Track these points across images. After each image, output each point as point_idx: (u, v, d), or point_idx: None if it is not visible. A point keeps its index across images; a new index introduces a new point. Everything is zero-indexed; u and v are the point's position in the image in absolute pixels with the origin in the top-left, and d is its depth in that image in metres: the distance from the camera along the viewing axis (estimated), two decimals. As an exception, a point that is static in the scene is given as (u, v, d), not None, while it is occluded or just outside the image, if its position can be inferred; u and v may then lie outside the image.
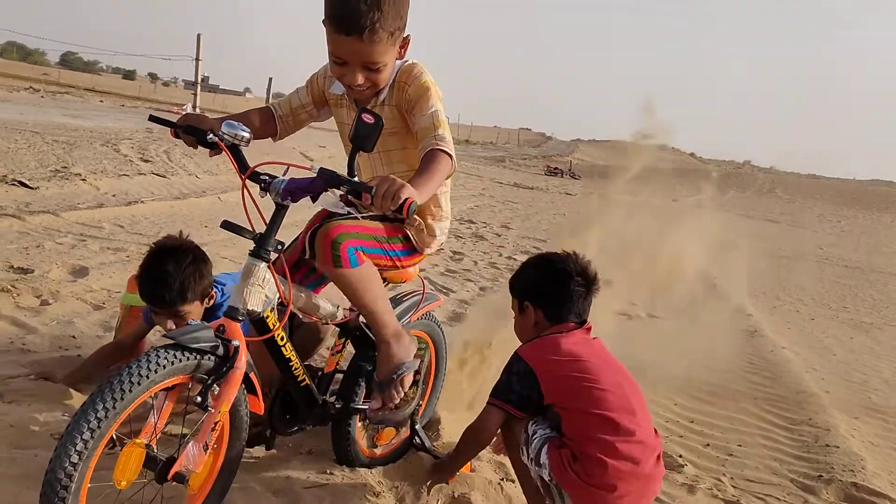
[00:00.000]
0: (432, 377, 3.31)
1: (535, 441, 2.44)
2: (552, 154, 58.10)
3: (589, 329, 2.69)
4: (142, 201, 8.44)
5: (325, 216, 2.62)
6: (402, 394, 2.55)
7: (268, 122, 2.71)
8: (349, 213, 2.08)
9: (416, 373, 2.61)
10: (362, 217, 2.51)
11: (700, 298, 7.92)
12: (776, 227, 21.65)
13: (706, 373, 5.09)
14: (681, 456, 3.64)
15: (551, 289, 2.69)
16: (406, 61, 2.46)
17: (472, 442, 2.65)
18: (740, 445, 3.97)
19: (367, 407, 2.64)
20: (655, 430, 2.52)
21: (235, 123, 2.33)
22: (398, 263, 2.62)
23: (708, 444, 3.92)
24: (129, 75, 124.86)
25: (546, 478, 2.40)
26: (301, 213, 2.66)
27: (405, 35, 2.34)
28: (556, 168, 38.39)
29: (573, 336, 2.61)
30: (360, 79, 2.34)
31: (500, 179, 26.08)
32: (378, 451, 3.06)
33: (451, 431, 3.28)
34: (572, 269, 2.69)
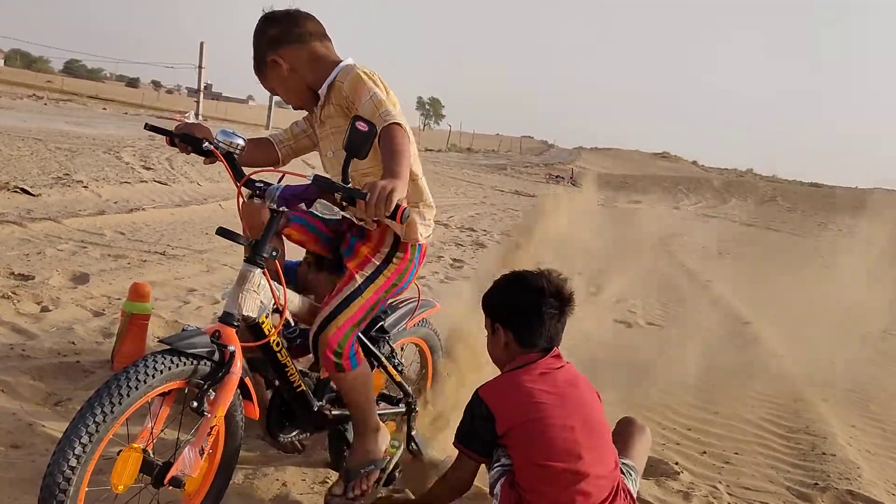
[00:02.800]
0: (429, 383, 3.33)
1: (496, 469, 2.40)
2: (554, 162, 58.17)
3: (558, 356, 2.54)
4: (143, 208, 8.48)
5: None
6: (367, 487, 2.61)
7: (269, 151, 2.79)
8: (343, 217, 2.11)
9: (382, 471, 2.69)
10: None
11: (699, 307, 7.95)
12: (777, 235, 21.64)
13: (704, 380, 5.10)
14: (677, 463, 3.65)
15: (523, 312, 2.53)
16: (347, 64, 2.55)
17: (448, 491, 2.57)
18: (737, 453, 3.97)
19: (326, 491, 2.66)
20: (616, 463, 2.45)
21: (230, 131, 2.37)
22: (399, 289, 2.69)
23: (704, 452, 3.93)
24: (132, 83, 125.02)
25: None
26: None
27: (268, 62, 2.56)
28: (557, 175, 38.45)
29: (538, 368, 2.46)
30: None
31: (501, 187, 26.11)
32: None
33: (448, 437, 3.30)
34: (546, 290, 2.52)
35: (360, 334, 2.69)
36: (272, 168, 2.61)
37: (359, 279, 2.54)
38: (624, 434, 2.73)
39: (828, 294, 9.77)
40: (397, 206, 1.99)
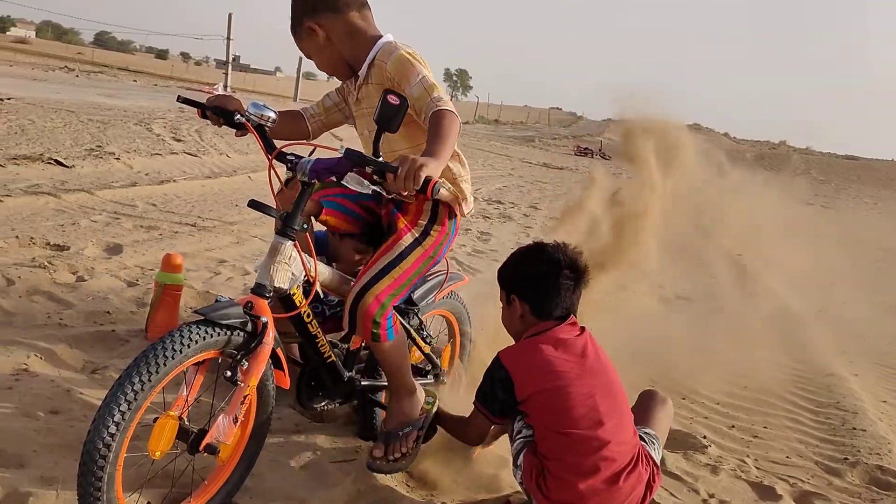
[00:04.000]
0: (457, 356, 3.35)
1: (518, 441, 2.44)
2: (583, 134, 57.72)
3: (574, 323, 2.56)
4: (174, 180, 8.56)
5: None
6: (407, 449, 2.62)
7: (299, 124, 2.80)
8: (374, 191, 2.11)
9: (420, 429, 2.68)
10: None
11: (730, 281, 7.89)
12: (810, 208, 21.35)
13: (733, 355, 5.08)
14: (705, 437, 3.65)
15: (539, 283, 2.56)
16: (387, 41, 2.53)
17: (462, 438, 2.71)
18: (766, 427, 3.97)
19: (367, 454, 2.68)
20: (635, 431, 2.48)
21: (262, 104, 2.38)
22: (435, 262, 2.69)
23: (733, 426, 3.93)
24: (161, 55, 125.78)
25: (518, 480, 2.47)
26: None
27: (305, 28, 2.53)
28: (586, 148, 38.17)
29: (556, 334, 2.49)
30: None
31: (529, 159, 25.99)
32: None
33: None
34: (561, 262, 2.56)
35: None
36: (304, 141, 2.62)
37: (397, 249, 2.54)
38: (646, 405, 2.74)
39: (859, 268, 9.66)
40: (427, 181, 2.00)
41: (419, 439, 2.67)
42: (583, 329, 2.57)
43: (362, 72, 2.56)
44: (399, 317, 2.72)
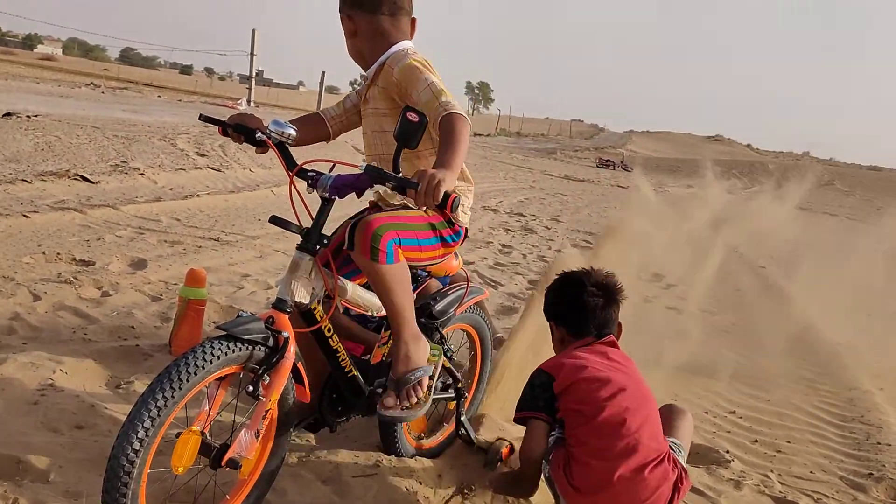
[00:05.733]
0: (478, 370, 3.35)
1: (551, 440, 2.56)
2: (604, 146, 57.59)
3: (612, 342, 2.71)
4: (198, 195, 8.65)
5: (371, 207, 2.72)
6: (419, 396, 2.57)
7: (319, 128, 2.84)
8: (402, 203, 2.14)
9: (430, 377, 2.63)
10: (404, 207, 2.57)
11: (753, 293, 7.84)
12: (833, 220, 21.17)
13: (757, 368, 5.05)
14: (728, 451, 3.63)
15: (568, 304, 2.77)
16: (401, 48, 2.58)
17: (528, 462, 2.63)
18: (789, 442, 3.93)
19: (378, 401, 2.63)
20: (665, 437, 2.56)
21: (282, 122, 2.41)
22: (436, 253, 2.66)
23: (756, 441, 3.90)
24: (186, 70, 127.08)
25: (547, 475, 2.55)
26: (346, 209, 2.73)
27: (373, 13, 2.57)
28: (607, 160, 38.07)
29: (593, 346, 2.67)
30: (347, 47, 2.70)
31: (550, 171, 25.98)
32: (425, 442, 3.11)
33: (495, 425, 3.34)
34: (586, 282, 2.75)
35: None
36: (325, 159, 2.65)
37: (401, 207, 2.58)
38: (667, 417, 2.78)
39: (884, 281, 9.55)
40: (447, 196, 2.02)
41: (431, 387, 2.63)
42: (618, 349, 2.72)
43: (370, 72, 2.62)
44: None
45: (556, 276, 2.94)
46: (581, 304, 2.72)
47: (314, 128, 2.83)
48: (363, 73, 2.78)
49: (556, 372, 2.56)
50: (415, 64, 2.48)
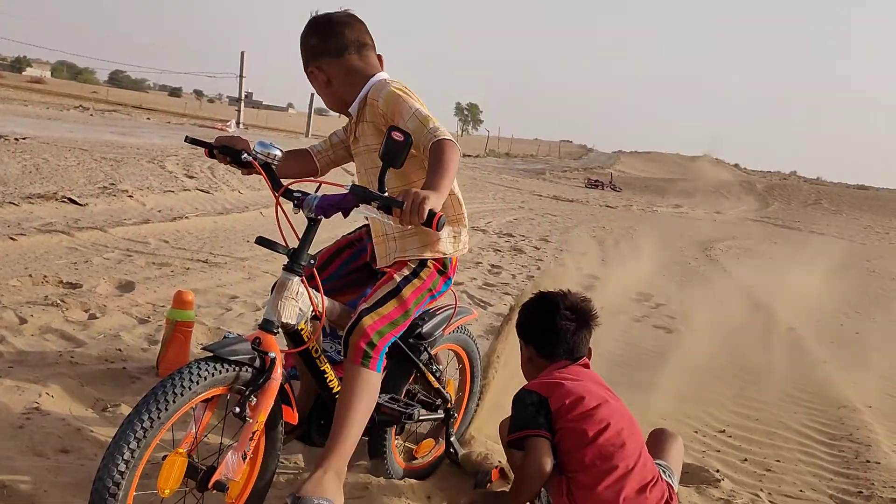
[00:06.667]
0: (467, 391, 3.35)
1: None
2: (593, 166, 57.83)
3: (587, 365, 2.70)
4: (186, 217, 8.63)
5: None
6: None
7: (307, 162, 2.86)
8: (389, 221, 2.15)
9: None
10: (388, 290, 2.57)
11: (741, 312, 7.86)
12: (821, 238, 21.28)
13: (746, 387, 5.06)
14: (718, 471, 3.62)
15: (539, 324, 2.74)
16: (378, 79, 2.59)
17: (529, 480, 2.45)
18: (779, 461, 3.93)
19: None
20: (657, 463, 2.56)
21: (268, 143, 2.43)
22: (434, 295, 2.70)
23: (746, 459, 3.89)
24: (175, 92, 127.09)
25: (546, 502, 2.49)
26: (331, 231, 2.74)
27: (310, 71, 2.63)
28: (596, 180, 38.20)
29: (569, 370, 2.63)
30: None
31: (539, 192, 26.05)
32: (414, 463, 3.10)
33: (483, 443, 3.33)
34: (560, 304, 2.72)
35: (398, 341, 2.71)
36: (310, 178, 2.66)
37: (397, 278, 2.57)
38: (657, 442, 2.78)
39: (871, 298, 9.61)
40: (433, 215, 2.03)
41: None
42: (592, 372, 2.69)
43: (353, 109, 2.62)
44: (403, 354, 2.74)
45: (532, 295, 2.92)
46: (553, 327, 2.69)
47: (303, 162, 2.85)
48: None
49: (549, 391, 2.50)
50: (397, 92, 2.50)
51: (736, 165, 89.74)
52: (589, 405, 2.46)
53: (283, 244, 2.27)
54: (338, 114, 2.75)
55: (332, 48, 2.58)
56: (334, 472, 2.36)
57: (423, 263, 2.63)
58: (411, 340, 2.86)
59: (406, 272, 2.60)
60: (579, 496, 2.38)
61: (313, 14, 2.64)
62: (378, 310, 2.50)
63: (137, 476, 1.94)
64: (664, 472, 2.59)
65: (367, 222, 2.81)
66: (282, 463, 2.79)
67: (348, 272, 2.82)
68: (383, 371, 2.53)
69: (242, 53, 25.47)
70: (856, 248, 19.23)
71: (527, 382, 2.68)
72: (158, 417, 1.92)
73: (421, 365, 2.88)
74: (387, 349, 2.51)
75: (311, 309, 2.37)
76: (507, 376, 3.69)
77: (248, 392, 2.13)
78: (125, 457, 1.88)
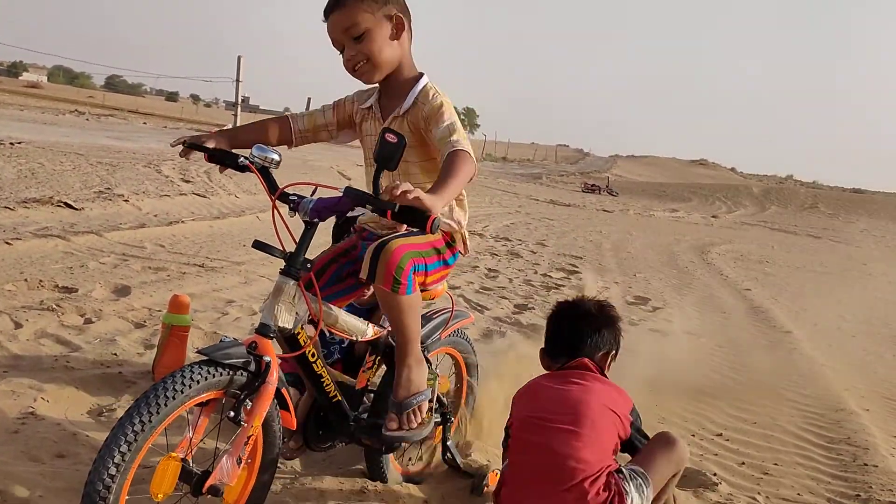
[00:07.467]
0: (464, 394, 3.34)
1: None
2: (590, 170, 57.82)
3: (585, 366, 2.69)
4: (182, 221, 8.61)
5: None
6: (421, 419, 2.60)
7: (284, 132, 2.77)
8: (384, 223, 2.14)
9: (431, 400, 2.66)
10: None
11: (737, 316, 7.86)
12: (818, 242, 21.30)
13: (743, 390, 5.05)
14: (715, 474, 3.61)
15: (548, 325, 2.89)
16: (427, 83, 2.58)
17: None
18: (776, 464, 3.92)
19: (382, 426, 2.63)
20: (605, 461, 2.46)
21: (265, 147, 2.41)
22: (439, 276, 2.65)
23: (743, 463, 3.89)
24: (171, 97, 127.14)
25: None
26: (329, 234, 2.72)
27: (393, 14, 2.50)
28: (593, 185, 38.17)
29: (557, 371, 2.74)
30: (352, 51, 2.50)
31: (536, 196, 26.05)
32: (410, 467, 3.09)
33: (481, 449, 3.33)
34: (564, 306, 2.90)
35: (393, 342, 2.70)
36: (306, 181, 2.65)
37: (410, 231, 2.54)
38: (650, 445, 2.67)
39: (869, 302, 9.61)
40: (428, 216, 1.99)
41: (431, 409, 2.66)
42: (588, 372, 2.67)
43: (406, 105, 2.57)
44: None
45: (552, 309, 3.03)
46: (557, 327, 2.84)
47: (280, 130, 2.76)
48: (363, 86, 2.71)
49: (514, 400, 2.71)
50: (442, 102, 2.51)
51: (732, 169, 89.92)
52: (521, 397, 2.67)
53: (280, 248, 2.26)
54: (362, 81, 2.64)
55: (409, 19, 2.57)
56: (414, 364, 2.59)
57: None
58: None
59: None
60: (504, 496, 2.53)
61: None
62: (398, 239, 2.42)
63: (129, 480, 1.93)
64: (627, 478, 2.45)
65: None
66: (278, 467, 2.77)
67: (347, 274, 2.80)
68: (416, 292, 2.45)
69: (239, 58, 25.37)
70: (853, 251, 19.26)
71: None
72: (150, 421, 1.91)
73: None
74: (413, 274, 2.42)
75: (308, 313, 2.36)
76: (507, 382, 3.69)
77: (243, 396, 2.12)
78: (116, 460, 1.87)
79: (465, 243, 2.75)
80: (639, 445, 2.63)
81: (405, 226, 2.05)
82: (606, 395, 2.58)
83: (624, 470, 2.49)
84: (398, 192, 1.96)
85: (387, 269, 2.35)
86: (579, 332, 2.77)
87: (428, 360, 2.89)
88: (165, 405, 1.93)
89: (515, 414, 2.63)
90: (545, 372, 2.81)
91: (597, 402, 2.53)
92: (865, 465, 3.97)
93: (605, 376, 2.72)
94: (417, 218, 2.00)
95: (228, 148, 2.55)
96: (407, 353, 2.59)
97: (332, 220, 2.35)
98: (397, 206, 2.00)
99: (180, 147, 2.59)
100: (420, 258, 2.48)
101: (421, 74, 2.62)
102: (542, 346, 2.90)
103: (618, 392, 2.65)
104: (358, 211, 2.20)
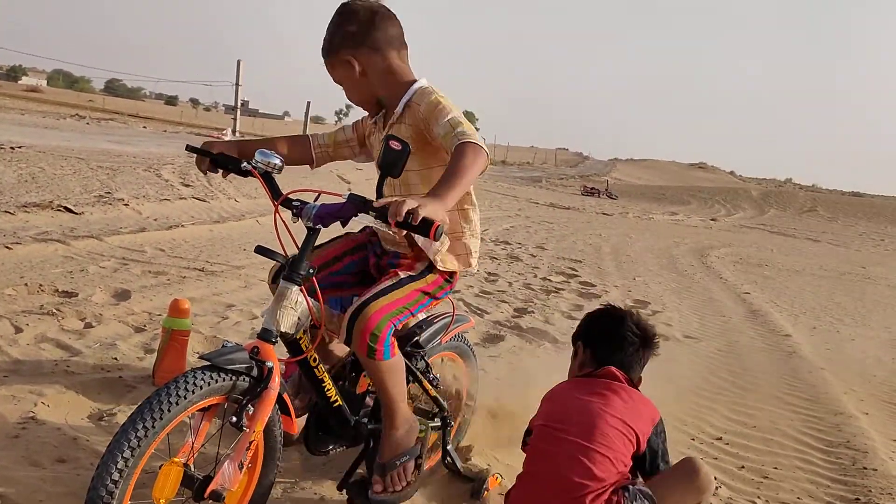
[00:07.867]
0: (465, 398, 3.34)
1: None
2: (589, 174, 57.88)
3: (622, 379, 2.67)
4: (182, 225, 8.62)
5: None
6: (406, 481, 2.59)
7: (304, 151, 2.82)
8: (387, 230, 2.12)
9: (418, 458, 2.66)
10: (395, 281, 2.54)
11: (736, 319, 7.87)
12: (817, 245, 21.31)
13: (742, 395, 5.06)
14: (715, 478, 3.61)
15: (604, 329, 2.81)
16: (423, 86, 2.57)
17: None
18: (776, 468, 3.93)
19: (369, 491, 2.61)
20: (622, 477, 2.46)
21: (268, 152, 2.42)
22: (427, 307, 2.68)
23: (743, 467, 3.89)
24: (171, 101, 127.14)
25: None
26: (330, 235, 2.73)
27: (346, 59, 2.54)
28: (592, 188, 38.20)
29: (589, 378, 2.71)
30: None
31: (536, 199, 26.06)
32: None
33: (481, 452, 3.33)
34: (628, 318, 2.80)
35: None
36: (310, 188, 2.66)
37: (395, 277, 2.54)
38: (671, 470, 2.61)
39: (868, 305, 9.61)
40: (431, 223, 1.95)
41: (418, 468, 2.65)
42: (625, 385, 2.67)
43: (398, 110, 2.57)
44: (398, 348, 2.71)
45: (600, 306, 3.02)
46: (618, 335, 2.76)
47: (300, 149, 2.82)
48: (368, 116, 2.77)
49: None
50: (439, 99, 2.49)
51: (732, 173, 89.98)
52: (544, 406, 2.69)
53: (283, 253, 2.27)
54: (336, 122, 2.73)
55: (374, 41, 2.53)
56: (401, 426, 2.60)
57: (430, 268, 2.61)
58: (408, 348, 2.85)
59: (412, 273, 2.58)
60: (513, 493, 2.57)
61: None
62: (377, 300, 2.44)
63: (132, 485, 1.94)
64: (633, 498, 2.41)
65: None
66: (281, 473, 2.78)
67: (352, 272, 2.80)
68: (395, 356, 2.48)
69: (239, 62, 25.41)
70: (852, 254, 19.27)
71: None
72: (153, 427, 1.92)
73: (418, 373, 2.87)
74: (391, 338, 2.45)
75: (310, 318, 2.37)
76: (505, 386, 3.69)
77: (245, 401, 2.12)
78: (119, 466, 1.88)
79: (469, 264, 2.73)
80: (656, 465, 2.57)
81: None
82: (627, 410, 2.54)
83: (631, 489, 2.44)
84: (401, 216, 1.93)
85: (361, 336, 2.38)
86: (641, 352, 2.78)
87: (427, 364, 2.91)
88: (168, 410, 1.94)
89: (537, 417, 2.64)
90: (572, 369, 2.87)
91: (614, 418, 2.50)
92: (865, 468, 3.97)
93: (635, 387, 2.71)
94: (420, 227, 1.98)
95: (235, 155, 2.57)
96: (392, 416, 2.58)
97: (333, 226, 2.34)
98: (389, 209, 1.99)
99: (194, 157, 2.64)
100: (403, 312, 2.51)
101: (414, 81, 2.61)
102: (581, 344, 2.86)
103: (643, 405, 2.62)
104: (361, 218, 2.19)
